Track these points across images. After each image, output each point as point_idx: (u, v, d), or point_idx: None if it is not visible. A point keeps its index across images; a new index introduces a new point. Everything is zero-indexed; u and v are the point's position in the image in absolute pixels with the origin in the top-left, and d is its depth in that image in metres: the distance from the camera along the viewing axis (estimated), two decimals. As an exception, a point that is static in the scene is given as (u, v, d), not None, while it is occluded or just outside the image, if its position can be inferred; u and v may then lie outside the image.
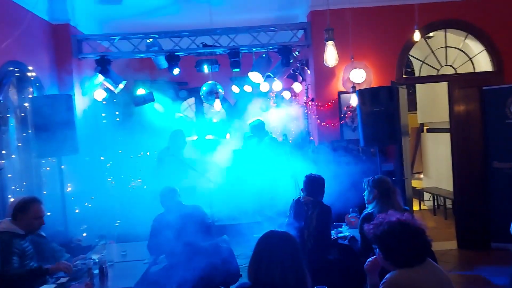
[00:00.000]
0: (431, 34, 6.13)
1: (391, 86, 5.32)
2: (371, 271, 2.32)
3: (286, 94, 7.83)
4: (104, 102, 6.41)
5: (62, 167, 4.81)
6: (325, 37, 3.26)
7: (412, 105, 8.78)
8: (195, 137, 9.23)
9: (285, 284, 1.92)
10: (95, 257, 3.65)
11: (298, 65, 6.86)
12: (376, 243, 2.17)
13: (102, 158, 6.34)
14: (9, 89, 4.73)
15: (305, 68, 6.65)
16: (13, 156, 4.66)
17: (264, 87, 6.96)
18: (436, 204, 8.16)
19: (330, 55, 3.20)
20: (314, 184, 4.12)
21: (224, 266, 3.94)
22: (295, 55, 6.37)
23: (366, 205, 4.16)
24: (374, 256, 2.31)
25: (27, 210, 3.41)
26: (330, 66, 3.38)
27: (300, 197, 4.22)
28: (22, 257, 3.26)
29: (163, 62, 6.39)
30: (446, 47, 6.07)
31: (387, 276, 2.10)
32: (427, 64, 6.18)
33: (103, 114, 6.52)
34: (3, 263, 3.12)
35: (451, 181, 6.42)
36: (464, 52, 6.12)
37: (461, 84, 5.94)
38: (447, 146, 6.82)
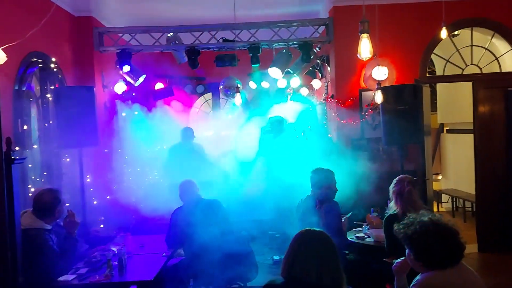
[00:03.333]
0: (456, 32, 5.99)
1: (416, 84, 5.22)
2: (400, 272, 2.26)
3: (304, 91, 7.77)
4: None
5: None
6: (359, 29, 3.19)
7: (432, 105, 8.62)
8: (211, 133, 9.25)
9: (320, 283, 1.88)
10: (114, 248, 3.66)
11: (318, 61, 6.78)
12: (407, 243, 2.11)
13: (120, 150, 6.37)
14: (32, 79, 4.76)
15: (325, 64, 6.57)
16: (34, 146, 4.69)
17: (282, 83, 6.92)
18: (454, 206, 8.03)
19: (365, 47, 3.12)
20: (321, 178, 3.98)
21: (242, 262, 3.92)
22: (315, 51, 6.29)
23: (387, 206, 4.10)
24: (403, 257, 2.25)
25: (60, 202, 3.44)
26: (364, 60, 3.32)
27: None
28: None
29: (183, 56, 6.38)
30: (471, 46, 5.93)
31: (418, 278, 2.04)
32: (451, 63, 6.06)
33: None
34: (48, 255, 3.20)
35: (470, 183, 6.29)
36: (490, 51, 5.97)
37: (486, 84, 5.80)
38: (467, 147, 6.70)
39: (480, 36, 6.04)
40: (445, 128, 9.00)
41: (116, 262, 3.42)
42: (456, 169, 8.41)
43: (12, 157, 2.94)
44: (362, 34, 3.15)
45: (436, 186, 8.79)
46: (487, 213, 5.84)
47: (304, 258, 1.94)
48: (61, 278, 3.19)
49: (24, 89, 4.42)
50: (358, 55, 3.22)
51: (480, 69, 5.95)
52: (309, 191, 4.19)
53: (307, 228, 2.08)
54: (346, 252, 3.98)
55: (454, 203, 8.04)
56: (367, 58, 3.25)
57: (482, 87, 5.82)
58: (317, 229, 2.06)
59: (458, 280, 1.98)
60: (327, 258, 1.95)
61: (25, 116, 4.44)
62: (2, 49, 3.59)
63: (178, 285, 4.04)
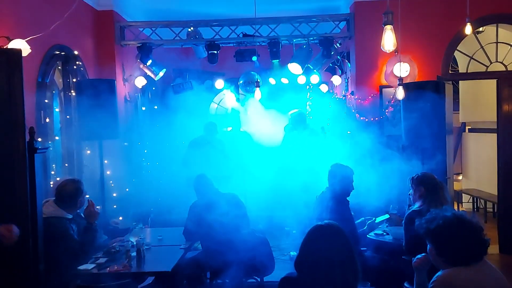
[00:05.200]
0: (481, 28, 5.85)
1: (438, 81, 5.12)
2: (420, 268, 2.21)
3: (324, 87, 7.71)
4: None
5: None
6: (383, 21, 3.14)
7: (454, 104, 8.45)
8: (229, 128, 9.26)
9: (332, 278, 1.86)
10: (133, 239, 3.70)
11: (338, 57, 6.71)
12: (429, 238, 2.06)
13: (139, 143, 6.44)
14: (55, 72, 4.84)
15: (346, 60, 6.50)
16: (56, 137, 4.77)
17: (301, 79, 6.89)
18: (475, 206, 7.88)
19: (388, 39, 3.06)
20: (335, 175, 3.91)
21: (258, 256, 3.90)
22: (336, 47, 6.23)
23: (408, 204, 4.04)
24: (423, 253, 2.20)
25: (82, 193, 3.51)
26: (388, 52, 3.26)
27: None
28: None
29: (202, 51, 6.40)
30: (497, 42, 5.78)
31: (439, 273, 1.99)
32: (475, 60, 5.91)
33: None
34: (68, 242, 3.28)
35: (492, 183, 6.14)
36: (516, 48, 5.82)
37: (511, 82, 5.65)
38: (490, 147, 6.55)
39: (506, 33, 5.88)
40: (467, 127, 8.82)
41: (134, 253, 3.46)
42: (477, 169, 8.24)
43: (35, 147, 3.00)
44: (386, 26, 3.09)
45: (457, 186, 8.63)
46: (509, 214, 5.71)
47: (316, 253, 1.93)
48: (81, 267, 3.24)
49: (47, 81, 4.50)
50: (381, 47, 3.17)
51: (505, 66, 5.80)
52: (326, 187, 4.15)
53: (319, 223, 2.06)
54: (364, 249, 3.94)
55: (475, 203, 7.89)
56: (391, 51, 3.20)
57: (507, 85, 5.67)
58: (330, 223, 2.03)
59: (481, 277, 1.93)
60: (339, 253, 1.92)
61: (47, 108, 4.52)
62: (26, 41, 3.66)
63: (195, 278, 4.06)
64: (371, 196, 4.47)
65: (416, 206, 3.45)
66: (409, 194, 3.64)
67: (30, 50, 3.64)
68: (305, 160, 5.34)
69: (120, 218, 5.39)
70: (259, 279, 4.07)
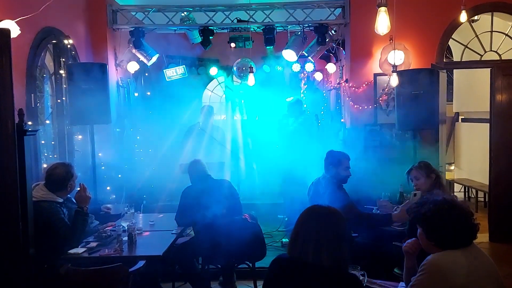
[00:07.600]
0: (476, 17, 5.83)
1: (432, 68, 5.11)
2: (410, 252, 2.22)
3: (318, 76, 7.68)
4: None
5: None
6: (377, 3, 3.11)
7: (448, 94, 8.45)
8: (223, 117, 9.22)
9: (318, 261, 1.85)
10: (124, 224, 3.69)
11: (333, 45, 6.67)
12: (419, 222, 2.07)
13: (131, 129, 6.40)
14: (46, 55, 4.76)
15: (341, 48, 6.46)
16: (47, 121, 4.71)
17: (296, 67, 6.86)
18: (467, 196, 7.94)
19: (382, 22, 3.03)
20: (331, 161, 3.93)
21: (250, 242, 3.91)
22: (331, 34, 6.18)
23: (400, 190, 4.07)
24: (414, 238, 2.21)
25: (72, 176, 3.48)
26: (381, 34, 3.25)
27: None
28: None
29: (196, 37, 6.32)
30: (491, 31, 5.77)
31: (428, 257, 2.00)
32: (469, 48, 5.90)
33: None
34: (59, 227, 3.27)
35: (484, 173, 6.17)
36: (510, 37, 5.80)
37: (505, 71, 5.64)
38: (482, 137, 6.58)
39: (501, 21, 5.86)
40: (460, 117, 8.86)
41: (126, 238, 3.45)
42: (470, 158, 8.29)
43: (24, 129, 2.95)
44: (380, 8, 3.06)
45: (449, 175, 8.68)
46: (500, 203, 5.75)
47: (304, 235, 1.91)
48: (71, 251, 3.23)
49: (38, 64, 4.43)
50: (375, 30, 3.14)
51: (499, 55, 5.79)
52: (320, 174, 4.16)
53: (316, 204, 2.05)
54: (355, 235, 3.95)
55: (467, 193, 7.95)
56: (384, 33, 3.17)
57: (500, 74, 5.66)
58: (324, 205, 2.02)
59: (470, 260, 1.94)
60: (326, 235, 1.89)
61: (38, 92, 4.46)
62: (15, 22, 3.59)
63: (186, 263, 4.07)
64: (364, 184, 4.49)
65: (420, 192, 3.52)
66: (415, 186, 3.67)
67: (19, 32, 3.57)
68: (301, 148, 5.34)
69: (112, 205, 5.38)
70: (250, 265, 4.08)
